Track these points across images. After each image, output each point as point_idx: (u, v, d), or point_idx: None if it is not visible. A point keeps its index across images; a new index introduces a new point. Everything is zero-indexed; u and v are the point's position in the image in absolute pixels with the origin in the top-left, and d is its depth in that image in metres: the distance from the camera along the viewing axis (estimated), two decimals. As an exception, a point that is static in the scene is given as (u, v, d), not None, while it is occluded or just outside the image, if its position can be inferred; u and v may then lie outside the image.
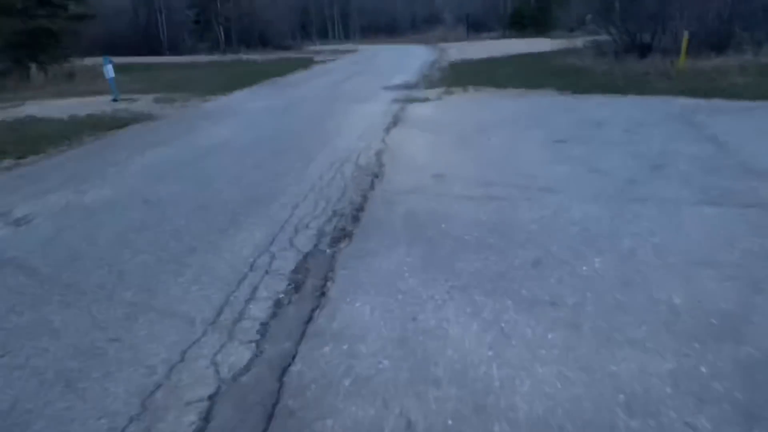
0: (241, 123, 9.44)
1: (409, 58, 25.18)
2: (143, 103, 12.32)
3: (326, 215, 4.61)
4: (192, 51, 38.02)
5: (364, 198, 4.99)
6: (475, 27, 46.45)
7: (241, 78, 18.73)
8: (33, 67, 18.41)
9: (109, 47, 36.68)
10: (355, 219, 4.47)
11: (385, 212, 4.55)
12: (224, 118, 10.02)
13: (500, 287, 3.07)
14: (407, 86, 13.76)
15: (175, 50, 37.74)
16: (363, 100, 11.48)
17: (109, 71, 12.40)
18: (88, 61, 28.64)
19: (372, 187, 5.32)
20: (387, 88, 13.54)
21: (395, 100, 11.17)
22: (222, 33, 38.02)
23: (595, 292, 2.93)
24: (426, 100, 10.93)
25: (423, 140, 7.27)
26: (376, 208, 4.69)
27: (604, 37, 19.44)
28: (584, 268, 3.21)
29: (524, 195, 4.62)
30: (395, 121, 8.76)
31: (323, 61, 26.88)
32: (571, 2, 41.53)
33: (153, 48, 36.72)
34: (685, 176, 4.75)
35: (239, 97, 13.53)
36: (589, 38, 27.67)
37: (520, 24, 39.65)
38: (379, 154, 6.66)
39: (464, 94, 11.28)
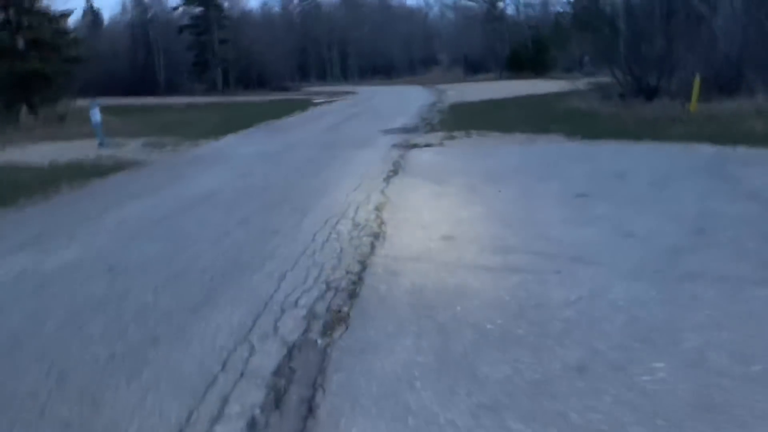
0: (231, 171, 8.84)
1: (407, 100, 24.93)
2: (131, 148, 11.77)
3: (319, 289, 3.92)
4: (190, 92, 37.98)
5: (363, 266, 4.32)
6: (473, 68, 46.78)
7: (236, 120, 18.31)
8: (23, 109, 17.95)
9: (107, 88, 36.63)
10: (352, 295, 3.78)
11: (388, 286, 3.87)
12: (214, 165, 9.43)
13: (541, 408, 2.37)
14: (407, 130, 13.27)
15: (173, 91, 37.68)
16: (361, 145, 10.94)
17: (95, 115, 11.90)
18: (85, 102, 28.45)
19: (372, 251, 4.65)
20: (386, 131, 13.04)
21: (395, 146, 10.63)
22: (220, 74, 38.09)
23: (669, 419, 2.23)
24: (427, 145, 10.39)
25: (427, 192, 6.65)
26: (377, 279, 4.01)
27: (606, 79, 19.20)
28: (645, 378, 2.51)
29: (551, 266, 3.95)
30: (396, 170, 8.17)
31: (320, 103, 26.65)
32: (569, 44, 41.93)
33: (151, 89, 36.67)
34: (736, 245, 4.10)
35: (232, 141, 13.01)
36: (590, 80, 27.63)
37: (518, 65, 39.85)
38: (379, 208, 6.02)
39: (467, 139, 10.75)
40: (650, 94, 13.28)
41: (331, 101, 28.35)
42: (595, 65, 37.36)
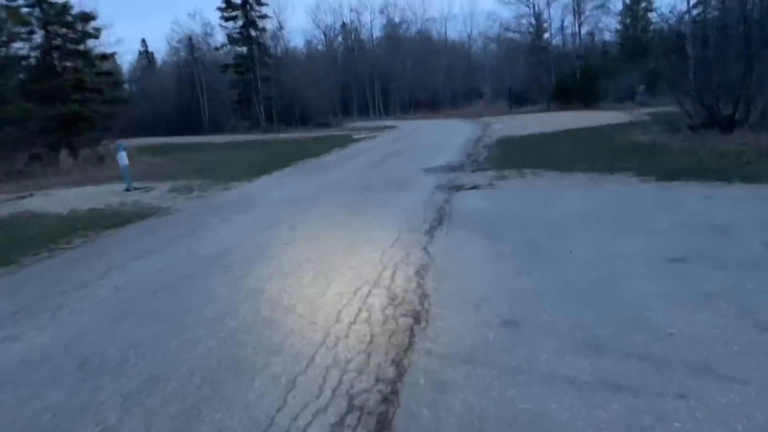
0: (255, 220, 7.94)
1: (450, 135, 23.94)
2: (157, 192, 11.11)
3: (337, 408, 2.85)
4: (233, 130, 38.16)
5: (399, 370, 3.21)
6: (517, 100, 45.57)
7: (274, 159, 17.70)
8: (63, 152, 17.85)
9: (155, 128, 37.26)
10: (383, 425, 2.68)
11: (432, 412, 2.75)
12: (239, 213, 8.57)
13: None
14: (451, 168, 12.20)
15: (216, 129, 37.96)
16: (400, 186, 9.91)
17: (123, 158, 11.34)
18: (130, 142, 28.74)
19: (411, 342, 3.55)
20: (428, 170, 12.00)
21: (438, 187, 9.56)
22: (262, 112, 38.17)
23: None
24: (475, 187, 9.28)
25: (479, 251, 5.51)
26: (417, 397, 2.90)
27: (666, 110, 17.73)
28: None
29: (668, 383, 2.75)
30: (440, 218, 7.08)
31: (361, 139, 25.96)
32: (619, 73, 40.31)
33: (195, 127, 37.02)
34: None
35: (265, 183, 12.22)
36: (647, 111, 26.02)
37: (565, 96, 38.42)
38: (420, 273, 4.93)
39: (521, 180, 9.57)
40: (726, 125, 11.82)
41: (371, 137, 27.65)
42: (651, 95, 35.64)
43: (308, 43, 69.53)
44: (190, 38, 40.56)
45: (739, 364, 2.87)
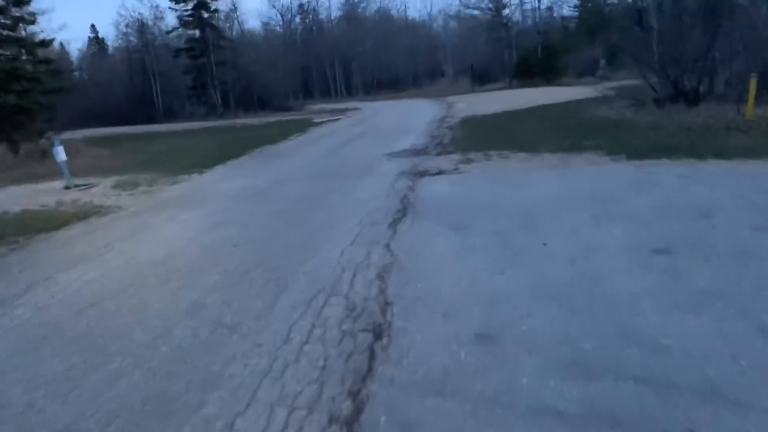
0: (203, 218, 7.29)
1: (414, 116, 23.41)
2: (99, 189, 10.28)
3: (279, 465, 2.33)
4: (189, 117, 36.76)
5: (356, 404, 2.72)
6: (480, 78, 45.23)
7: (229, 147, 16.89)
8: (0, 147, 16.61)
9: (105, 117, 35.58)
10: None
11: (396, 466, 2.26)
12: (186, 210, 7.89)
13: None
14: (415, 152, 11.69)
15: (171, 116, 36.50)
16: (363, 173, 9.37)
17: (59, 153, 10.43)
18: (79, 134, 27.35)
19: (370, 369, 3.04)
20: (391, 155, 11.47)
21: (402, 173, 9.05)
22: (219, 97, 36.82)
23: None
24: (440, 172, 8.79)
25: (445, 246, 5.03)
26: (378, 444, 2.40)
27: (629, 83, 17.57)
28: None
29: (675, 414, 2.32)
30: (404, 209, 6.58)
31: (322, 123, 25.20)
32: (580, 48, 40.29)
33: (148, 115, 35.48)
34: None
35: (218, 174, 11.49)
36: (610, 85, 25.94)
37: (527, 73, 38.25)
38: (382, 276, 4.42)
39: (487, 163, 9.13)
40: (692, 98, 11.60)
41: (333, 119, 26.90)
42: (612, 69, 35.72)
43: (265, 25, 67.63)
44: (140, 22, 38.69)
45: (752, 385, 2.46)
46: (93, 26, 41.79)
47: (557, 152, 9.12)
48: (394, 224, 5.95)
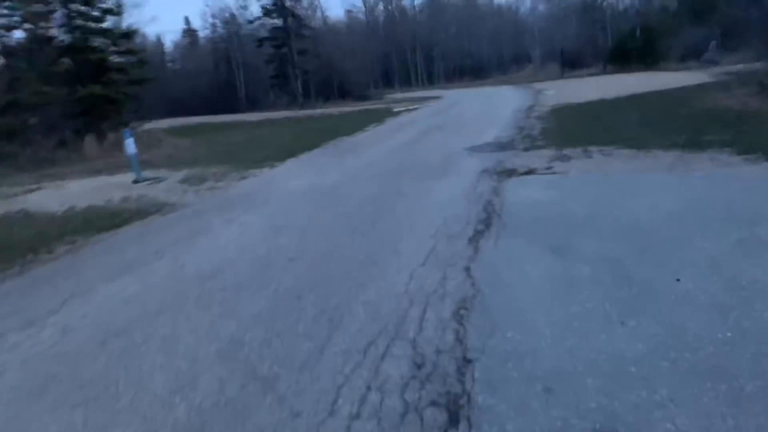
0: (264, 221, 6.63)
1: (498, 104, 22.02)
2: (166, 184, 9.97)
3: None
4: (272, 106, 37.08)
5: None
6: (570, 63, 42.60)
7: (305, 138, 16.45)
8: (87, 137, 17.05)
9: (192, 107, 36.62)
10: None
11: None
12: (248, 211, 7.28)
13: None
14: (500, 146, 10.56)
15: (254, 106, 36.99)
16: (440, 172, 8.41)
17: (130, 146, 10.22)
18: (165, 123, 28.17)
19: (441, 479, 2.13)
20: (473, 149, 10.41)
21: (485, 172, 8.01)
22: (300, 86, 36.85)
23: None
24: (530, 171, 7.67)
25: (542, 274, 4.00)
26: None
27: (747, 67, 15.39)
28: None
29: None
30: (487, 218, 5.58)
31: (401, 112, 24.34)
32: (682, 30, 36.79)
33: (232, 105, 36.12)
34: None
35: (288, 169, 10.92)
36: (721, 70, 23.25)
37: (623, 58, 35.39)
38: (461, 315, 3.50)
39: (587, 161, 7.88)
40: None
41: (412, 109, 25.97)
42: (722, 53, 32.23)
43: (348, 13, 67.51)
44: (228, 12, 39.38)
45: None
46: (186, 18, 43.20)
47: (672, 149, 7.71)
48: (475, 239, 4.97)
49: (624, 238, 4.49)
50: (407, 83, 60.22)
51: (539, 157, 8.59)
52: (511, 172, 7.80)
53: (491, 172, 7.96)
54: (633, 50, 34.75)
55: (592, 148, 8.60)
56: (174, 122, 28.93)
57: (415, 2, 68.91)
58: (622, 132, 9.78)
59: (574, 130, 11.16)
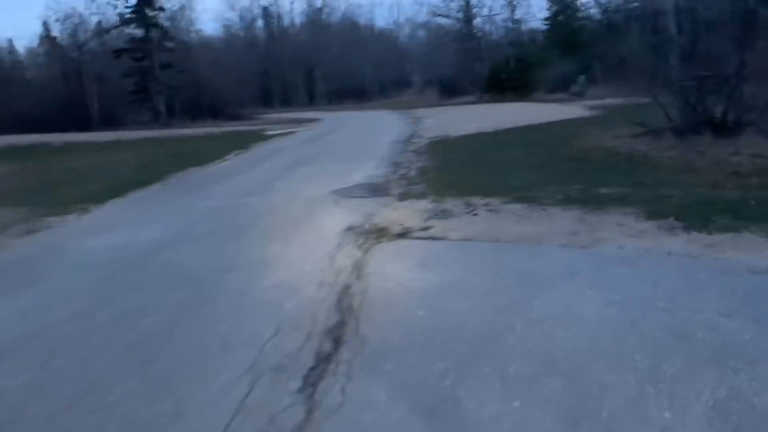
0: (26, 322, 4.34)
1: (377, 132, 20.72)
2: None
3: None
4: (130, 125, 33.15)
5: None
6: (448, 90, 43.02)
7: (149, 168, 13.91)
8: None
9: (38, 123, 31.70)
10: None
11: None
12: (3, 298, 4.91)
13: None
14: (372, 188, 8.97)
15: (110, 124, 32.80)
16: (292, 230, 6.58)
17: None
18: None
19: None
20: (341, 193, 8.71)
21: (350, 231, 6.30)
22: (163, 104, 33.31)
23: None
24: (404, 233, 6.04)
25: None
26: None
27: (615, 101, 15.29)
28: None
29: None
30: (339, 330, 3.80)
31: (273, 136, 22.27)
32: (552, 62, 38.35)
33: (81, 122, 31.70)
34: None
35: (102, 216, 8.52)
36: (591, 103, 23.80)
37: (498, 87, 36.08)
38: None
39: (471, 220, 6.41)
40: (722, 128, 9.19)
41: (287, 132, 23.98)
42: (586, 86, 33.75)
43: (225, 27, 64.05)
44: (77, 17, 34.68)
45: None
46: (45, 23, 37.09)
47: (569, 206, 6.47)
48: (314, 378, 3.15)
49: (546, 390, 2.87)
50: (287, 103, 57.93)
51: (415, 211, 7.02)
52: (381, 233, 6.13)
53: (357, 232, 6.24)
54: (507, 80, 35.52)
55: (475, 199, 7.20)
56: (9, 140, 24.50)
57: (296, 21, 66.94)
58: (506, 177, 8.56)
59: (453, 170, 9.86)
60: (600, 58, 40.84)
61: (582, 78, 31.68)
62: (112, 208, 9.07)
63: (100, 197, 9.79)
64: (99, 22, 36.11)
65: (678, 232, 5.15)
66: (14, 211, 8.88)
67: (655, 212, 5.80)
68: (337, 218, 7.07)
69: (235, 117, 35.93)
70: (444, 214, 6.71)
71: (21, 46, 52.82)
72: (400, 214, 7.01)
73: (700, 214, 5.56)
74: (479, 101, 37.93)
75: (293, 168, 12.35)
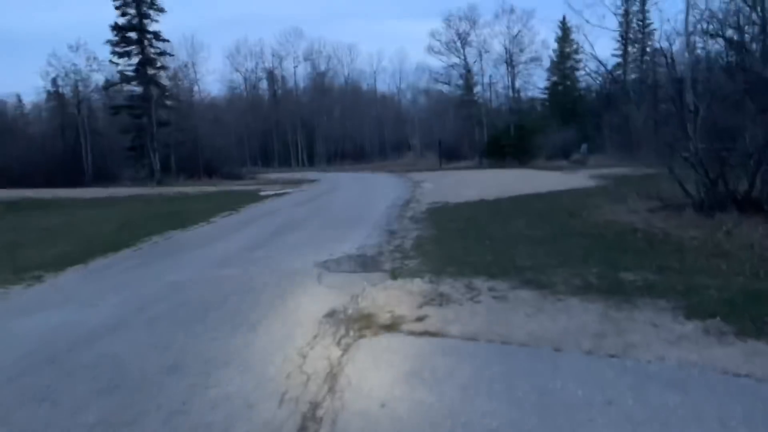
0: None
1: (374, 195, 19.99)
2: None
3: None
4: (124, 181, 32.56)
5: None
6: (448, 155, 42.83)
7: (129, 228, 13.07)
8: None
9: (28, 177, 31.15)
10: None
11: None
12: None
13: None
14: (362, 261, 8.03)
15: (104, 179, 32.22)
16: (262, 314, 5.59)
17: None
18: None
19: None
20: (327, 265, 7.78)
21: (329, 318, 5.32)
22: (158, 161, 32.85)
23: None
24: (394, 324, 5.04)
25: None
26: None
27: (622, 171, 14.59)
28: None
29: None
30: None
31: (266, 197, 21.56)
32: (551, 129, 38.34)
33: (75, 177, 31.11)
34: None
35: (53, 287, 7.53)
36: (595, 172, 23.27)
37: (499, 153, 35.81)
38: None
39: (474, 309, 5.42)
40: (748, 204, 8.36)
41: (281, 194, 23.29)
42: (586, 155, 33.45)
43: (230, 88, 64.98)
44: (76, 74, 34.60)
45: None
46: (54, 80, 37.22)
47: (588, 295, 5.50)
48: None
49: None
50: (287, 163, 57.92)
51: (409, 293, 6.04)
52: (366, 322, 5.13)
53: (338, 320, 5.26)
54: (507, 146, 35.27)
55: (479, 282, 6.23)
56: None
57: (298, 83, 67.96)
58: (513, 254, 7.62)
59: (454, 242, 8.93)
60: (599, 127, 40.99)
61: (584, 146, 31.37)
62: (69, 278, 8.08)
63: (61, 263, 8.85)
64: (106, 80, 36.15)
65: (729, 338, 4.16)
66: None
67: (694, 309, 4.82)
68: (317, 299, 6.09)
69: (232, 176, 35.45)
70: (442, 300, 5.72)
71: (25, 100, 52.99)
72: (391, 296, 6.02)
73: (750, 313, 4.58)
74: (479, 166, 37.63)
75: (280, 234, 11.44)
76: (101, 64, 34.53)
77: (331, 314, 5.48)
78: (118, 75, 33.57)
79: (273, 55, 64.64)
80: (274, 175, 39.30)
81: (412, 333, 4.84)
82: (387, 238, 9.92)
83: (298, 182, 31.27)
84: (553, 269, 6.64)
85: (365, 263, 8.00)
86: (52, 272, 8.27)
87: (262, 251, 9.38)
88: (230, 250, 9.72)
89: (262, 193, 23.57)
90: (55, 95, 37.65)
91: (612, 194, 12.97)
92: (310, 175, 39.23)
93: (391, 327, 5.02)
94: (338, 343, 4.66)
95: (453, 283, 6.28)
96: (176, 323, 5.50)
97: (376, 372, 4.07)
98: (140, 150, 33.25)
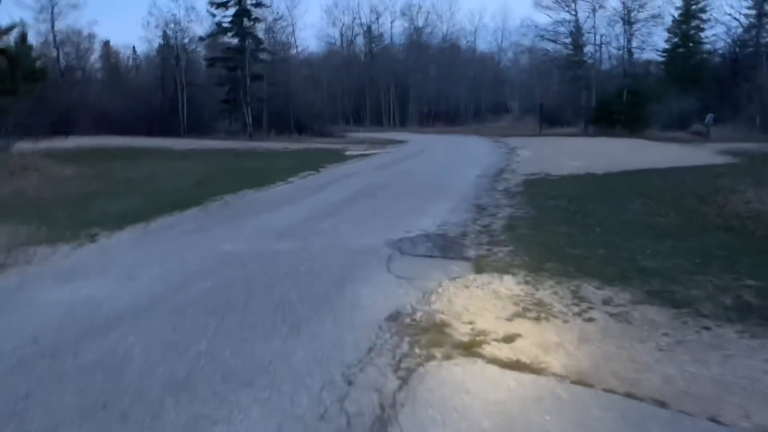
0: None
1: (463, 161, 18.52)
2: None
3: None
4: (216, 134, 32.97)
5: None
6: (549, 120, 39.83)
7: (210, 183, 12.79)
8: None
9: (131, 126, 32.39)
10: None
11: None
12: None
13: None
14: (442, 245, 6.77)
15: (198, 131, 32.78)
16: (314, 309, 4.51)
17: None
18: (72, 141, 24.00)
19: None
20: (400, 245, 6.63)
21: (392, 321, 4.18)
22: (250, 115, 32.89)
23: None
24: (471, 345, 3.79)
25: None
26: None
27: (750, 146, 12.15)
28: None
29: None
30: None
31: (350, 158, 20.67)
32: (669, 97, 34.39)
33: (171, 128, 31.87)
34: None
35: (101, 251, 6.93)
36: (720, 146, 20.33)
37: (607, 120, 32.60)
38: None
39: (583, 330, 4.04)
40: None
41: (366, 154, 22.34)
42: (709, 126, 29.55)
43: (326, 44, 64.43)
44: (172, 24, 34.93)
45: None
46: (161, 30, 38.30)
47: (747, 324, 3.94)
48: None
49: None
50: (378, 123, 56.88)
51: (496, 297, 4.75)
52: (437, 336, 3.95)
53: (402, 327, 4.11)
54: (618, 113, 31.98)
55: (590, 289, 4.81)
56: (88, 142, 24.67)
57: (394, 40, 66.11)
58: (632, 250, 6.05)
59: (555, 228, 7.43)
60: (724, 96, 36.31)
61: (710, 116, 27.71)
62: (123, 238, 7.49)
63: (123, 221, 8.35)
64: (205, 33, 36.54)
65: None
66: (12, 231, 7.56)
67: None
68: (382, 292, 4.95)
69: (322, 134, 34.98)
70: (540, 311, 4.38)
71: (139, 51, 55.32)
72: (473, 297, 4.76)
73: None
74: (584, 134, 34.66)
75: (356, 200, 10.41)
76: (199, 14, 34.84)
77: (395, 317, 4.33)
78: (215, 26, 33.75)
79: (371, 10, 63.13)
80: (363, 135, 38.44)
81: (496, 361, 3.57)
82: (474, 215, 8.57)
83: (386, 143, 30.19)
84: (689, 277, 5.06)
85: (445, 246, 6.75)
86: (108, 231, 7.73)
87: (331, 221, 8.36)
88: (298, 217, 8.80)
89: (347, 153, 22.73)
90: (157, 46, 38.93)
91: (751, 175, 10.71)
92: (401, 135, 38.00)
93: (470, 347, 3.78)
94: (397, 367, 3.50)
95: (555, 287, 4.89)
96: (210, 311, 4.57)
97: (442, 429, 2.87)
98: (234, 103, 33.47)
